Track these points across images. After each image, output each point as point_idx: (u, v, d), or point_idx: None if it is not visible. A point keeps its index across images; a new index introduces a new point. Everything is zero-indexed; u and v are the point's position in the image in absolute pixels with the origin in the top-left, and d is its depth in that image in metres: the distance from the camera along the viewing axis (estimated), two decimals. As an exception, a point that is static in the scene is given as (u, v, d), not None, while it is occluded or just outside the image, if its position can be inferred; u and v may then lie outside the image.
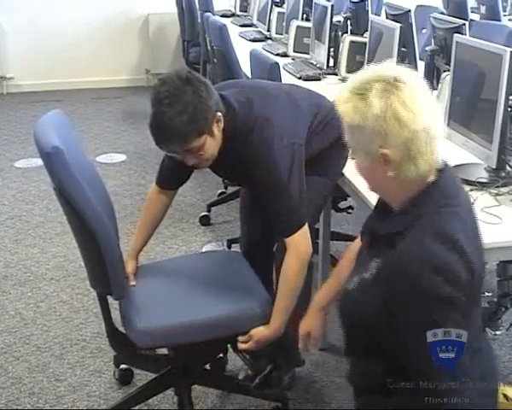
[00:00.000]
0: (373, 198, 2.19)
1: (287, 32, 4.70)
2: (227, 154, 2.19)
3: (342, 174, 2.46)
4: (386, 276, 1.44)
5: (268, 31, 5.37)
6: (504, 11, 6.11)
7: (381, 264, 1.48)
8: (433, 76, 3.11)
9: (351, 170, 2.44)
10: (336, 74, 3.91)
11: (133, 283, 2.31)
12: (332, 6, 3.92)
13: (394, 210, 1.53)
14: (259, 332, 2.21)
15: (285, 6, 5.18)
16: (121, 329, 2.28)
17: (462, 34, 2.80)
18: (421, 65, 3.36)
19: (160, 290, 2.33)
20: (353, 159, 1.55)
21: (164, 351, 2.44)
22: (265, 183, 2.19)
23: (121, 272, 2.11)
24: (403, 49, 2.95)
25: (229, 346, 2.42)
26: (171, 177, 2.44)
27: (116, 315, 2.25)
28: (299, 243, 2.20)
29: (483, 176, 2.29)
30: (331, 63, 4.05)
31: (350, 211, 3.62)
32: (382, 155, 1.44)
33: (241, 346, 2.23)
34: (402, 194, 1.49)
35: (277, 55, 4.52)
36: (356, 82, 1.47)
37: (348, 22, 4.23)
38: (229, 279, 2.36)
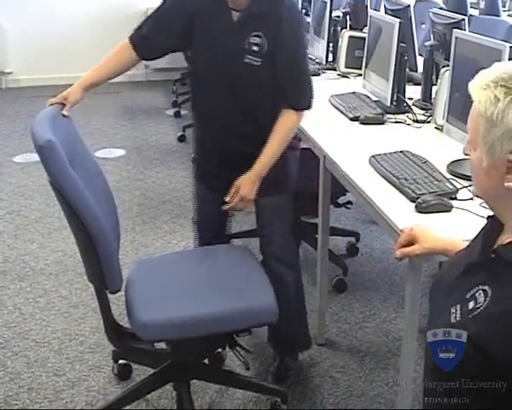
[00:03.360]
0: (372, 192, 2.20)
1: (286, 28, 4.68)
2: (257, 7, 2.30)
3: (340, 171, 2.42)
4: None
5: (267, 26, 5.35)
6: (504, 6, 6.12)
7: (495, 293, 1.22)
8: (432, 71, 3.11)
9: (349, 165, 2.45)
10: (335, 69, 3.89)
11: (66, 113, 2.24)
12: (331, 1, 3.91)
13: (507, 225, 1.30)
14: (244, 180, 2.35)
15: (284, 1, 5.16)
16: (120, 323, 2.29)
17: (462, 29, 2.79)
18: (420, 60, 3.36)
19: (166, 284, 2.32)
20: (468, 154, 1.35)
21: (162, 346, 2.44)
22: (295, 53, 2.36)
23: (116, 266, 2.10)
24: (402, 44, 2.94)
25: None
26: (147, 39, 2.41)
27: (114, 309, 2.25)
28: (303, 117, 2.43)
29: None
30: (330, 58, 4.04)
31: (349, 206, 3.61)
32: (509, 161, 1.23)
33: (231, 203, 2.37)
34: None
35: (276, 50, 4.50)
36: (503, 72, 1.25)
37: (347, 17, 4.21)
38: (233, 274, 2.35)
